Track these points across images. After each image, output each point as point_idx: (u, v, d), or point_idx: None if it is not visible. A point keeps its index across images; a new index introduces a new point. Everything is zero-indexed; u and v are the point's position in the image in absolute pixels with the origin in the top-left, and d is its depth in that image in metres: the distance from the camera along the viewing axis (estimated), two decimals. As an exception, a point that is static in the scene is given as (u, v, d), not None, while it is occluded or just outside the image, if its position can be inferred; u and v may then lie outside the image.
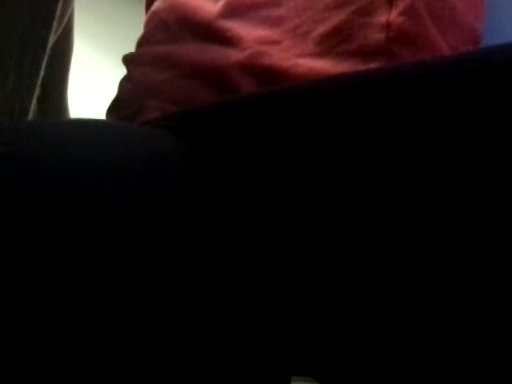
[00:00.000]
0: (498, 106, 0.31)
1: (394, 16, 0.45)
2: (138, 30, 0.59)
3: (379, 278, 0.34)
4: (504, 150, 0.30)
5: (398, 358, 0.36)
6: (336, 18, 0.46)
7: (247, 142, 0.39)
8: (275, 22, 0.47)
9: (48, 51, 0.53)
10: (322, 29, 0.46)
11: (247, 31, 0.47)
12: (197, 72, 0.48)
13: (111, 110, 0.55)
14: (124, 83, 0.55)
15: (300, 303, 0.37)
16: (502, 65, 0.31)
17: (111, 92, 0.57)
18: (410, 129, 0.33)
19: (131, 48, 0.58)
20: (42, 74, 0.53)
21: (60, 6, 0.53)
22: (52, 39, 0.54)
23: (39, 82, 0.53)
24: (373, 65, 0.45)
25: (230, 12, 0.48)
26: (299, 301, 0.37)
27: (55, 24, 0.52)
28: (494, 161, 0.31)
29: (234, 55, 0.46)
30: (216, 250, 0.34)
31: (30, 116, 0.54)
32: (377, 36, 0.45)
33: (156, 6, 0.55)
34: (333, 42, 0.46)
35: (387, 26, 0.45)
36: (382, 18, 0.45)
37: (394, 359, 0.36)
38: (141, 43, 0.56)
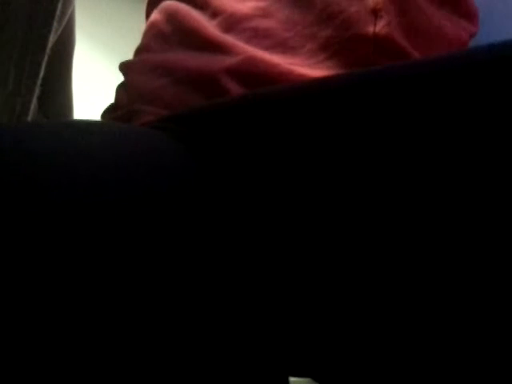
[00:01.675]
0: (483, 104, 0.31)
1: (379, 27, 0.46)
2: (138, 31, 0.60)
3: (378, 278, 0.34)
4: (495, 146, 0.31)
5: (397, 357, 0.36)
6: (323, 34, 0.47)
7: (244, 142, 0.39)
8: (264, 34, 0.48)
9: (48, 51, 0.53)
10: (310, 45, 0.47)
11: (239, 42, 0.48)
12: (189, 78, 0.48)
13: (106, 112, 0.56)
14: (120, 90, 0.56)
15: (298, 303, 0.37)
16: (488, 62, 0.31)
17: (111, 92, 0.57)
18: (403, 128, 0.34)
19: (131, 48, 0.58)
20: (41, 73, 0.53)
21: (60, 5, 0.53)
22: (52, 39, 0.54)
23: (39, 82, 0.53)
24: None
25: (224, 26, 0.49)
26: (297, 301, 0.37)
27: (55, 24, 0.53)
28: (488, 158, 0.31)
29: (226, 60, 0.47)
30: (215, 248, 0.34)
31: (30, 116, 0.54)
32: (364, 49, 0.46)
33: (154, 17, 0.56)
34: (321, 58, 0.47)
35: (374, 37, 0.46)
36: (368, 29, 0.46)
37: (393, 359, 0.36)
38: (138, 52, 0.57)
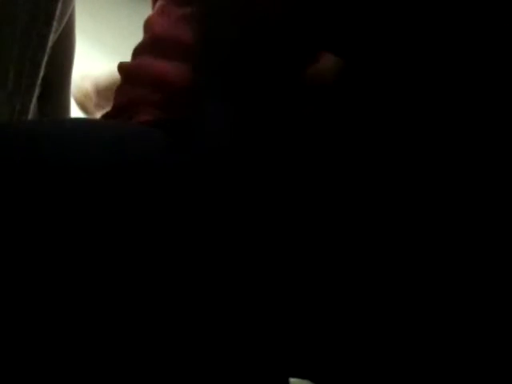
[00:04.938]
0: None
1: None
2: (138, 30, 0.59)
3: (377, 280, 0.34)
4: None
5: (395, 358, 0.36)
6: None
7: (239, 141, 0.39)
8: None
9: (48, 51, 0.53)
10: None
11: None
12: (185, 92, 0.48)
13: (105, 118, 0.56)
14: (119, 95, 0.55)
15: (297, 306, 0.37)
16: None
17: (111, 92, 0.57)
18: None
19: (131, 48, 0.58)
20: (41, 73, 0.53)
21: (60, 5, 0.53)
22: (52, 39, 0.54)
23: (39, 82, 0.53)
24: None
25: None
26: (297, 303, 0.37)
27: (55, 24, 0.53)
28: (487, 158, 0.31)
29: None
30: (212, 246, 0.34)
31: (30, 116, 0.54)
32: None
33: (152, 16, 0.55)
34: None
35: None
36: None
37: (391, 360, 0.36)
38: (136, 53, 0.56)
